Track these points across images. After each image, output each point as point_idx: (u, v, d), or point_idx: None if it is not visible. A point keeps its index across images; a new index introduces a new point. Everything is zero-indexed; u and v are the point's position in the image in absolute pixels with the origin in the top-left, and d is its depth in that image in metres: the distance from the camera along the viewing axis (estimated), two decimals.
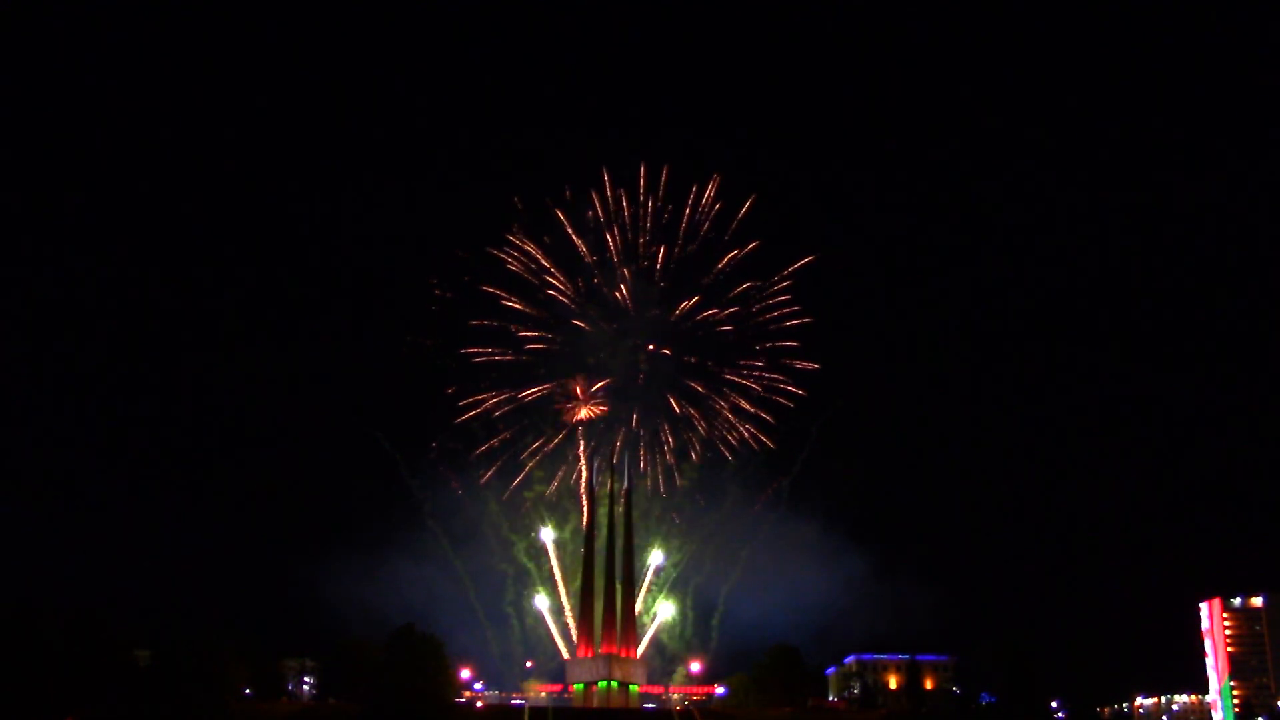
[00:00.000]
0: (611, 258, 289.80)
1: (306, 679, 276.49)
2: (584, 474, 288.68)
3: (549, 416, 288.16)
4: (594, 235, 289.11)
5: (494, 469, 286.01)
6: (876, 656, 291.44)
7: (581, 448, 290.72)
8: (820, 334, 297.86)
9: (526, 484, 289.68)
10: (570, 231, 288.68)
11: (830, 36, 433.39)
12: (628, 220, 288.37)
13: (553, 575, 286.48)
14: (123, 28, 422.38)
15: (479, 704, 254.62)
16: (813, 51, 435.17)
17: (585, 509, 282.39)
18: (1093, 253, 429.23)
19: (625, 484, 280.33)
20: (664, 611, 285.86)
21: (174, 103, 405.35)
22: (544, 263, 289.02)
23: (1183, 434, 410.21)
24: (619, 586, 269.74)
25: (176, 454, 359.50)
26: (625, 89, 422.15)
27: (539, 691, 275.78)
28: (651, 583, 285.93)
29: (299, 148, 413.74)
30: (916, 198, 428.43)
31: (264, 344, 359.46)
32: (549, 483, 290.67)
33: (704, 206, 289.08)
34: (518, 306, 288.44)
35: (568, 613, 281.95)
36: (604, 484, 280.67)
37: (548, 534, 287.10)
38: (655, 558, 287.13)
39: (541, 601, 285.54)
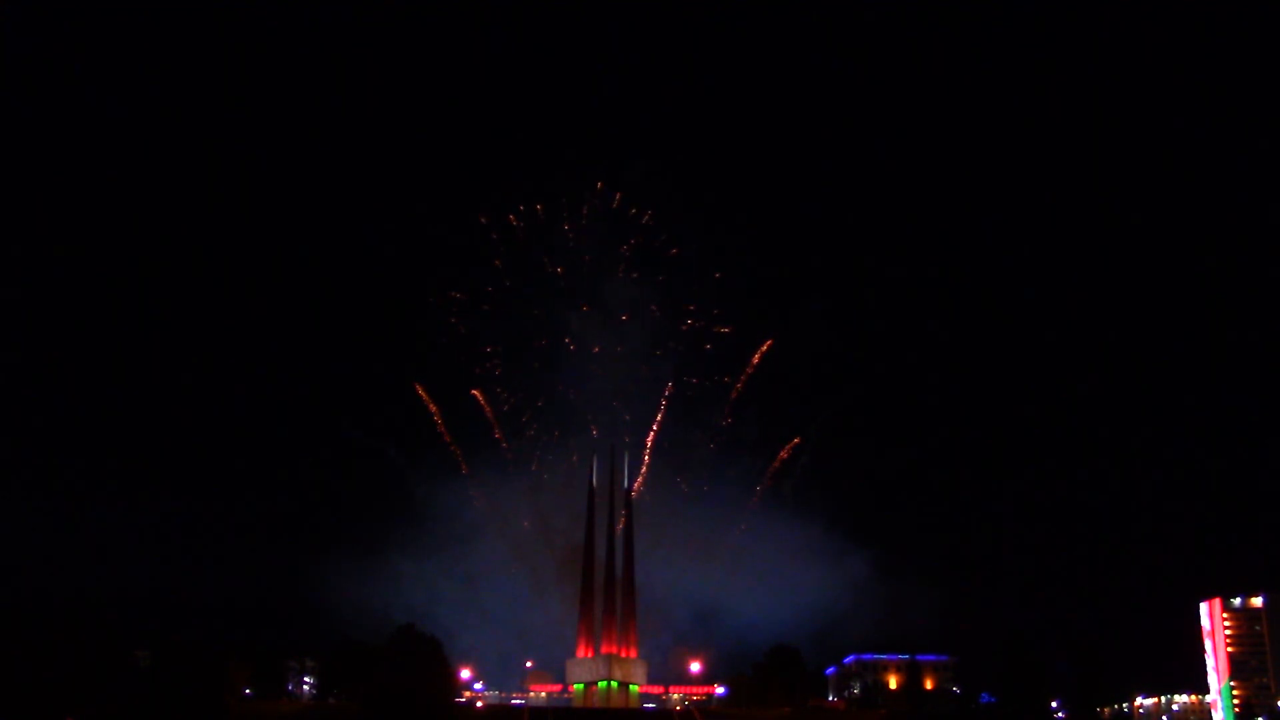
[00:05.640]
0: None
1: (306, 679, 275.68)
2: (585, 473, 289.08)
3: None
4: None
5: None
6: (876, 657, 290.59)
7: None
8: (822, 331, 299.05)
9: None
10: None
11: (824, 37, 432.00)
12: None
13: None
14: (124, 27, 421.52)
15: (479, 704, 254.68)
16: (805, 54, 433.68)
17: (586, 509, 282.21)
18: (1093, 252, 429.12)
19: (626, 483, 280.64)
20: None
21: (173, 103, 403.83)
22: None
23: (1183, 434, 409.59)
24: (619, 586, 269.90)
25: (177, 453, 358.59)
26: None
27: (539, 691, 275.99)
28: None
29: (307, 148, 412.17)
30: (917, 193, 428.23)
31: (265, 343, 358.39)
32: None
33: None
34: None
35: None
36: (605, 483, 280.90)
37: None
38: None
39: None
